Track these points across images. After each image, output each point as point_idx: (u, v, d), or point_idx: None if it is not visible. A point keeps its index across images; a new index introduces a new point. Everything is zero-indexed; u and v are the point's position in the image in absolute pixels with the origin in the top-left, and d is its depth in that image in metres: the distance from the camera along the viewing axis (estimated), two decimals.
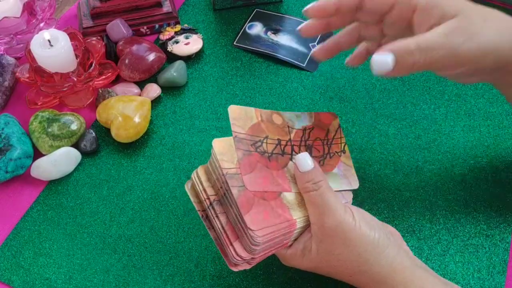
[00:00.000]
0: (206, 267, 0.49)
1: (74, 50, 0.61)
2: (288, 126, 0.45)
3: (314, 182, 0.40)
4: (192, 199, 0.43)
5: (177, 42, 0.67)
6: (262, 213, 0.39)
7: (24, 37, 0.66)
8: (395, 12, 0.40)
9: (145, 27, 0.70)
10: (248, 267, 0.41)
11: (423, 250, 0.49)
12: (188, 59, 0.67)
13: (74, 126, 0.57)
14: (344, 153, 0.47)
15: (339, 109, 0.61)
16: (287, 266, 0.44)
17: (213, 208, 0.41)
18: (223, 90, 0.64)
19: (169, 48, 0.66)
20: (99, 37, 0.66)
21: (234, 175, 0.40)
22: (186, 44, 0.66)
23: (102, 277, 0.48)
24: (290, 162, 0.43)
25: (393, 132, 0.58)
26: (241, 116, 0.42)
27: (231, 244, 0.40)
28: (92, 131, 0.58)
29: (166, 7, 0.71)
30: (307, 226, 0.41)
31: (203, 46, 0.67)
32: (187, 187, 0.43)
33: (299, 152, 0.43)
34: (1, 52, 0.66)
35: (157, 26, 0.70)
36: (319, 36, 0.68)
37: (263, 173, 0.41)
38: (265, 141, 0.42)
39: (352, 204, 0.45)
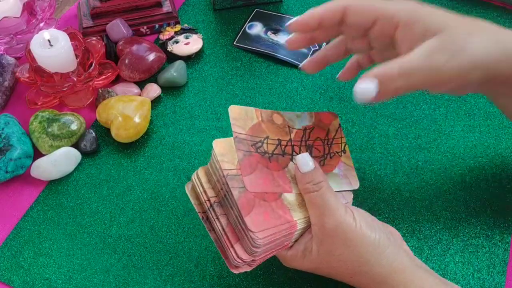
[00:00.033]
0: (206, 267, 0.49)
1: (74, 50, 0.61)
2: (289, 126, 0.45)
3: (315, 183, 0.40)
4: (192, 200, 0.42)
5: (177, 42, 0.67)
6: (262, 214, 0.39)
7: (24, 37, 0.66)
8: (378, 28, 0.39)
9: (145, 27, 0.70)
10: (249, 269, 0.41)
11: (423, 250, 0.49)
12: (188, 59, 0.67)
13: (74, 126, 0.57)
14: (345, 153, 0.47)
15: (339, 109, 0.61)
16: (287, 266, 0.44)
17: (213, 210, 0.41)
18: (223, 90, 0.64)
19: (169, 48, 0.66)
20: (99, 37, 0.66)
21: (235, 176, 0.39)
22: (186, 44, 0.66)
23: (102, 277, 0.48)
24: (291, 162, 0.43)
25: (393, 132, 0.58)
26: (241, 116, 0.42)
27: (232, 246, 0.40)
28: (92, 131, 0.58)
29: (166, 7, 0.71)
30: (307, 227, 0.41)
31: (203, 46, 0.67)
32: (187, 188, 0.43)
33: (300, 153, 0.43)
34: (1, 52, 0.66)
35: (157, 26, 0.70)
36: None
37: (263, 174, 0.40)
38: (265, 141, 0.42)
39: (352, 204, 0.45)
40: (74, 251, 0.50)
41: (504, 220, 0.50)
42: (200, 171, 0.42)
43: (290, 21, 0.41)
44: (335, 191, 0.41)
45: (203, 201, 0.42)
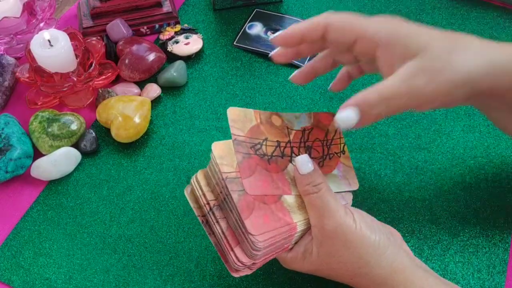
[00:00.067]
0: (206, 267, 0.49)
1: (74, 50, 0.61)
2: (287, 128, 0.45)
3: (314, 184, 0.40)
4: (191, 204, 0.42)
5: (177, 42, 0.67)
6: (262, 217, 0.38)
7: (24, 37, 0.66)
8: (359, 46, 0.39)
9: (145, 27, 0.70)
10: (249, 272, 0.41)
11: (423, 250, 0.49)
12: (188, 59, 0.67)
13: (74, 126, 0.57)
14: (344, 153, 0.47)
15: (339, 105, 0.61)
16: (287, 269, 0.44)
17: (213, 213, 0.41)
18: (223, 90, 0.64)
19: (169, 48, 0.66)
20: (99, 37, 0.66)
21: (234, 179, 0.39)
22: (186, 44, 0.66)
23: (102, 277, 0.48)
24: (290, 164, 0.43)
25: (393, 132, 0.58)
26: (240, 118, 0.42)
27: (232, 250, 0.39)
28: (92, 131, 0.58)
29: (166, 7, 0.71)
30: (307, 229, 0.41)
31: (203, 46, 0.67)
32: (187, 192, 0.43)
33: (299, 154, 0.43)
34: (1, 52, 0.66)
35: (157, 26, 0.70)
36: None
37: (263, 176, 0.40)
38: (264, 143, 0.42)
39: (352, 204, 0.45)
40: (74, 251, 0.50)
41: (504, 220, 0.50)
42: (199, 174, 0.42)
43: (273, 35, 0.42)
44: (335, 192, 0.41)
45: (203, 204, 0.41)
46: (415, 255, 0.42)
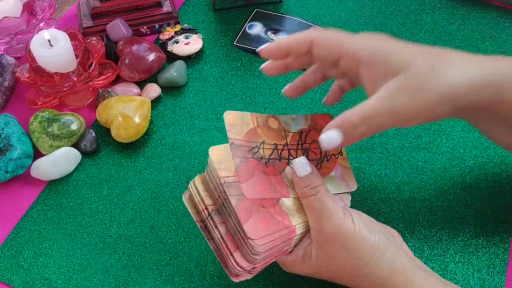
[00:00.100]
0: (206, 267, 0.49)
1: (74, 50, 0.61)
2: (284, 130, 0.44)
3: (312, 187, 0.40)
4: (190, 210, 0.42)
5: (177, 42, 0.67)
6: (261, 221, 0.38)
7: (24, 37, 0.66)
8: (342, 63, 0.40)
9: (145, 27, 0.70)
10: (249, 277, 0.41)
11: (423, 250, 0.49)
12: (188, 59, 0.67)
13: (74, 126, 0.57)
14: (341, 155, 0.47)
15: (339, 109, 0.61)
16: (287, 271, 0.44)
17: (211, 218, 0.40)
18: (223, 90, 0.64)
19: (169, 48, 0.66)
20: (99, 37, 0.66)
21: (232, 184, 0.39)
22: (186, 44, 0.66)
23: (102, 277, 0.48)
24: (288, 167, 0.43)
25: (393, 132, 0.58)
26: (237, 122, 0.42)
27: (231, 255, 0.39)
28: (92, 131, 0.58)
29: (166, 7, 0.71)
30: (307, 232, 0.41)
31: (203, 46, 0.67)
32: (185, 197, 0.43)
33: (296, 156, 0.43)
34: (1, 52, 0.66)
35: (157, 26, 0.70)
36: None
37: (261, 179, 0.40)
38: (261, 146, 0.42)
39: (352, 204, 0.45)
40: (74, 251, 0.50)
41: (504, 220, 0.50)
42: (197, 180, 0.42)
43: (260, 48, 0.42)
44: (333, 194, 0.41)
45: (201, 209, 0.41)
46: (415, 255, 0.42)
